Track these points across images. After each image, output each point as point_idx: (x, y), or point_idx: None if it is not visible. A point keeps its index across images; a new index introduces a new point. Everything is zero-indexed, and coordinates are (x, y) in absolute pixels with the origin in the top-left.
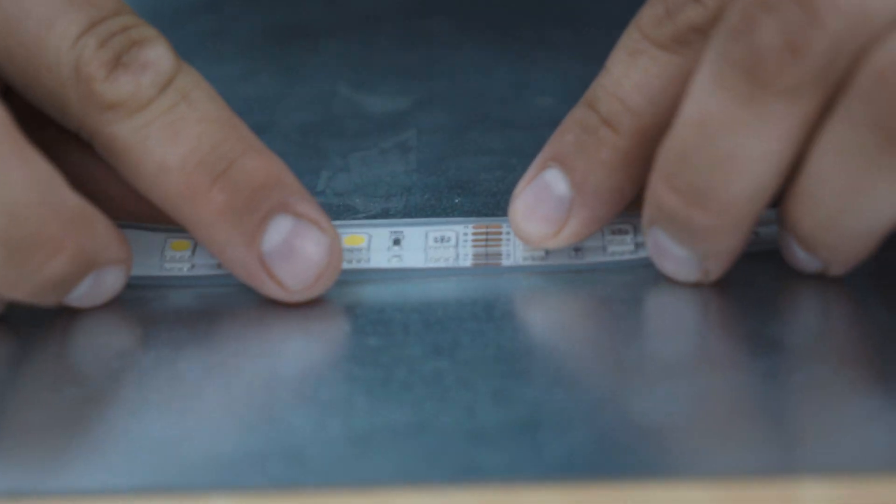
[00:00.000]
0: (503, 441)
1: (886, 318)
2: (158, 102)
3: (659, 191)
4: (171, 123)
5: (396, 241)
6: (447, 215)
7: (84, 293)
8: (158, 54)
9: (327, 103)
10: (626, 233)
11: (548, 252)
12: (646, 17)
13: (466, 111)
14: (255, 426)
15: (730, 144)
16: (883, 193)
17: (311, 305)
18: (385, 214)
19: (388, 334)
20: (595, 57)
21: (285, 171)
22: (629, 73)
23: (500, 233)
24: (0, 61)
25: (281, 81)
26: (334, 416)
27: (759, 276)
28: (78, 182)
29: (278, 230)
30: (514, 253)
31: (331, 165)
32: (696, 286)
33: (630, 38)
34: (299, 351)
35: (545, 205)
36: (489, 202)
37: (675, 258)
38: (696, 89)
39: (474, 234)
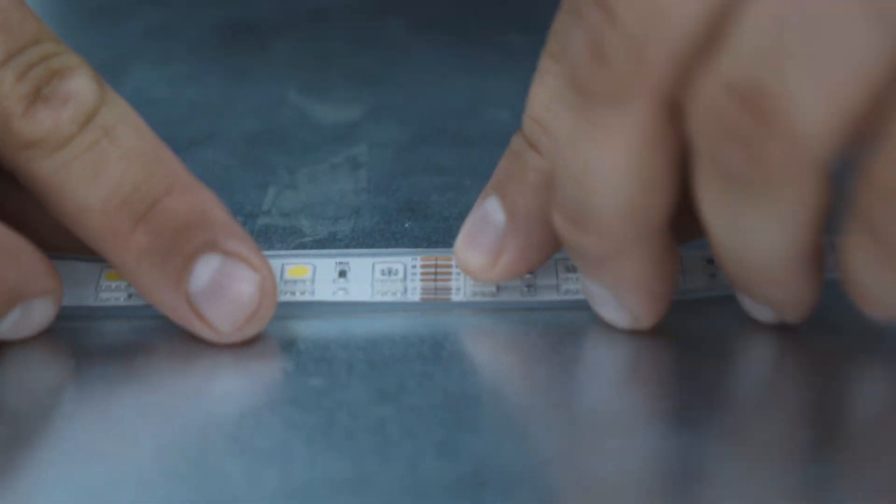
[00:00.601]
0: (446, 501)
1: (846, 372)
2: (79, 139)
3: (553, 217)
4: (93, 162)
5: (342, 273)
6: (396, 240)
7: (11, 326)
8: (80, 86)
9: (275, 111)
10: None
11: (499, 288)
12: (552, 33)
13: (420, 123)
14: (186, 476)
15: (579, 159)
16: (757, 226)
17: (253, 340)
18: (332, 238)
19: (331, 374)
20: None
21: (214, 206)
22: (538, 93)
23: (451, 266)
24: None
25: (228, 84)
26: (271, 466)
27: (722, 323)
28: (4, 214)
29: (205, 270)
30: (464, 288)
31: (278, 181)
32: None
33: (541, 60)
34: (238, 391)
35: (482, 234)
36: (440, 227)
37: (599, 298)
38: (550, 105)
39: (423, 266)
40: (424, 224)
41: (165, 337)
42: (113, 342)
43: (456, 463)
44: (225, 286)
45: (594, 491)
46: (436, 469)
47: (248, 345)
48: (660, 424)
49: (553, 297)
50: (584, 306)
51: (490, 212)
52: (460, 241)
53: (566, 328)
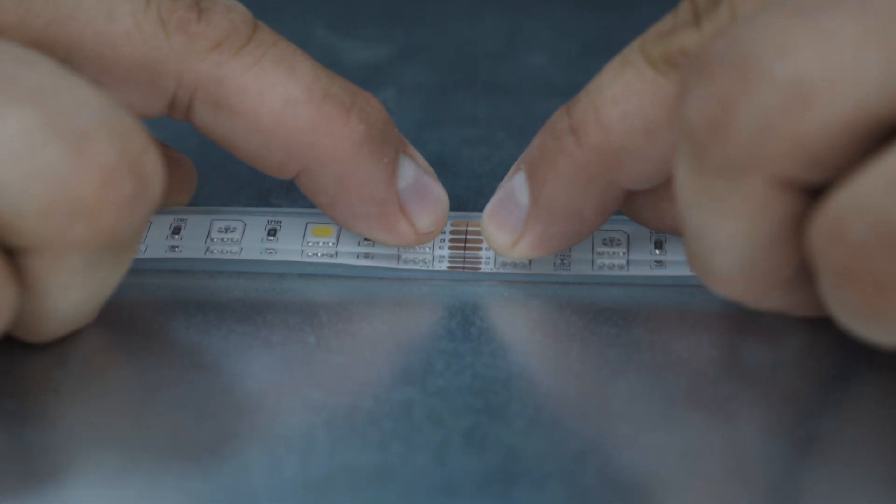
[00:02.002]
0: (473, 496)
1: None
2: (259, 37)
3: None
4: (283, 57)
5: (367, 238)
6: None
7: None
8: (230, 1)
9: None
10: (618, 244)
11: (531, 260)
12: (653, 29)
13: (451, 67)
14: (201, 461)
15: (695, 220)
16: (879, 335)
17: (274, 306)
18: None
19: (354, 351)
20: (594, 7)
21: None
22: (612, 83)
23: (481, 234)
24: (69, 51)
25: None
26: (291, 454)
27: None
28: None
29: (408, 169)
30: (494, 258)
31: None
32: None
33: (629, 48)
34: (258, 367)
35: (506, 211)
36: (471, 186)
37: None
38: (628, 108)
39: (453, 232)
40: (455, 182)
41: (181, 307)
42: (124, 311)
43: (484, 455)
44: (425, 185)
45: (627, 491)
46: (463, 461)
47: (268, 310)
48: (699, 418)
49: (587, 271)
50: (618, 282)
51: (516, 190)
52: (487, 211)
53: (602, 305)
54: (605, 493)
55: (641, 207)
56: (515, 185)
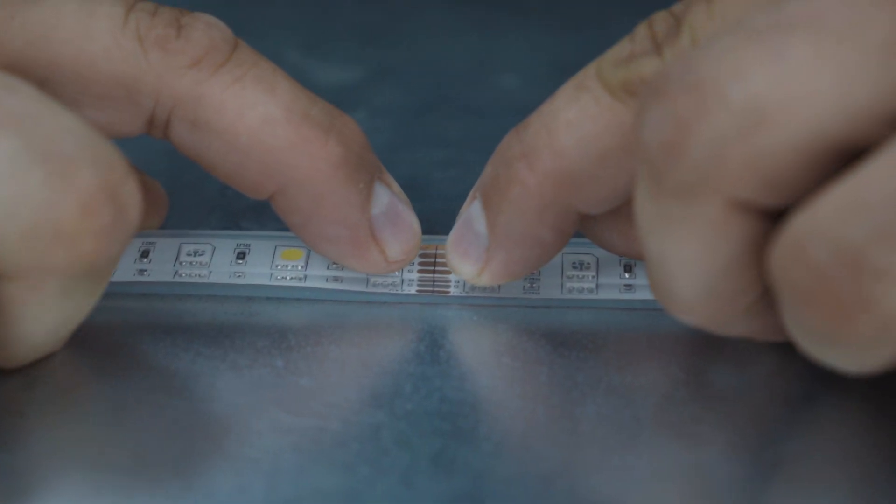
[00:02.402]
0: None
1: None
2: (239, 56)
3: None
4: (264, 76)
5: (336, 262)
6: None
7: None
8: (212, 18)
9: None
10: (587, 268)
11: (500, 285)
12: (611, 53)
13: (423, 88)
14: (167, 484)
15: (655, 244)
16: (840, 361)
17: (242, 330)
18: None
19: (322, 374)
20: (568, 26)
21: None
22: (566, 108)
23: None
24: (48, 71)
25: None
26: (258, 477)
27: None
28: None
29: (383, 196)
30: (463, 282)
31: None
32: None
33: (584, 73)
34: (225, 390)
35: (467, 242)
36: (442, 208)
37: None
38: (580, 133)
39: (422, 255)
40: (425, 204)
41: (149, 330)
42: (91, 334)
43: (452, 478)
44: (399, 213)
45: None
46: (431, 484)
47: (235, 332)
48: (667, 440)
49: (556, 294)
50: (587, 305)
51: (474, 219)
52: (450, 241)
53: (571, 329)
54: None
55: (608, 233)
56: (473, 215)
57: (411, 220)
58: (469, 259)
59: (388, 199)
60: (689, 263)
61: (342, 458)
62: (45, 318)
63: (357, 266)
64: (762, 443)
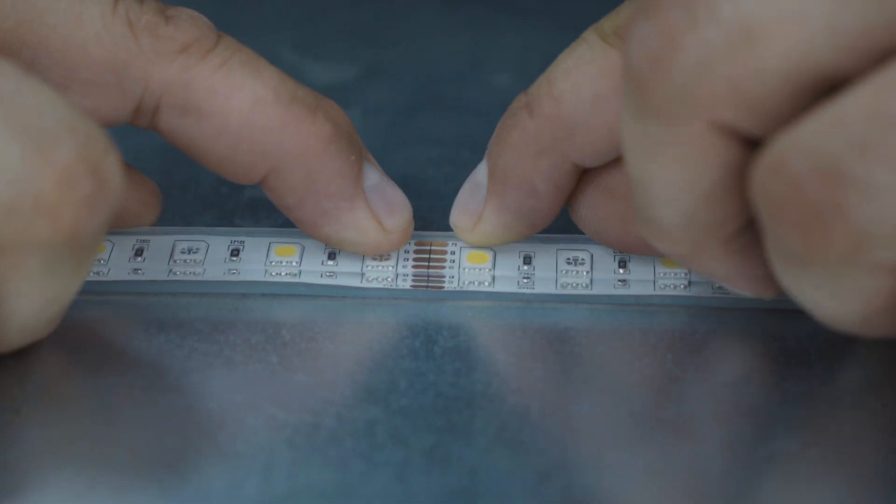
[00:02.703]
0: None
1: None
2: (225, 43)
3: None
4: (249, 61)
5: (331, 255)
6: None
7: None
8: (194, 12)
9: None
10: (581, 263)
11: (494, 279)
12: (610, 15)
13: (416, 87)
14: (162, 480)
15: (639, 168)
16: (812, 293)
17: (236, 326)
18: None
19: (317, 370)
20: (561, 26)
21: None
22: (565, 59)
23: (445, 253)
24: (37, 53)
25: None
26: (252, 472)
27: (730, 328)
28: None
29: (371, 171)
30: (458, 277)
31: None
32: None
33: (587, 31)
34: (219, 386)
35: (468, 196)
36: (436, 206)
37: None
38: (579, 79)
39: (417, 251)
40: (419, 202)
41: (144, 326)
42: (85, 330)
43: (446, 473)
44: (390, 189)
45: None
46: (425, 479)
47: (231, 330)
48: (662, 436)
49: (551, 290)
50: (581, 301)
51: (478, 174)
52: (455, 204)
53: (565, 324)
54: None
55: (601, 218)
56: (477, 172)
57: (402, 196)
58: (467, 212)
59: (377, 175)
60: (670, 186)
61: (337, 453)
62: (31, 297)
63: (355, 237)
64: (757, 439)
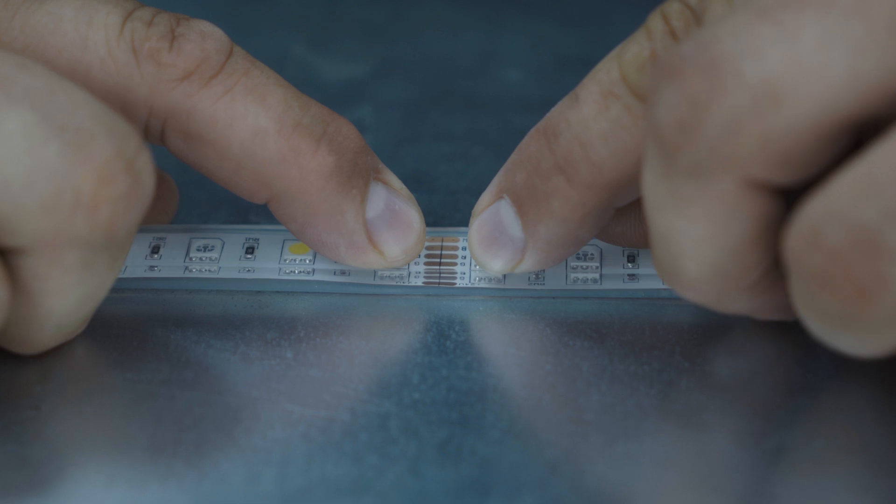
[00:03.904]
0: None
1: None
2: (231, 66)
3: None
4: (254, 87)
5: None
6: None
7: None
8: (209, 26)
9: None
10: (591, 258)
11: (505, 275)
12: (630, 54)
13: (428, 83)
14: (180, 474)
15: (663, 223)
16: (850, 343)
17: (252, 322)
18: None
19: (331, 365)
20: (570, 21)
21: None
22: (598, 119)
23: (457, 249)
24: None
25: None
26: (268, 465)
27: (742, 323)
28: None
29: (378, 197)
30: (469, 274)
31: None
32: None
33: (608, 75)
34: (235, 381)
35: (500, 243)
36: (447, 201)
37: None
38: (610, 138)
39: (428, 248)
40: (431, 197)
41: (161, 323)
42: (104, 327)
43: (459, 467)
44: (397, 212)
45: (600, 501)
46: (438, 472)
47: (246, 327)
48: (670, 428)
49: (561, 285)
50: (591, 295)
51: (506, 224)
52: (477, 243)
53: (575, 319)
54: (578, 503)
55: (612, 224)
56: (504, 219)
57: (411, 218)
58: (502, 258)
59: (384, 200)
60: (698, 242)
61: (351, 447)
62: (68, 294)
63: (358, 266)
64: (765, 430)
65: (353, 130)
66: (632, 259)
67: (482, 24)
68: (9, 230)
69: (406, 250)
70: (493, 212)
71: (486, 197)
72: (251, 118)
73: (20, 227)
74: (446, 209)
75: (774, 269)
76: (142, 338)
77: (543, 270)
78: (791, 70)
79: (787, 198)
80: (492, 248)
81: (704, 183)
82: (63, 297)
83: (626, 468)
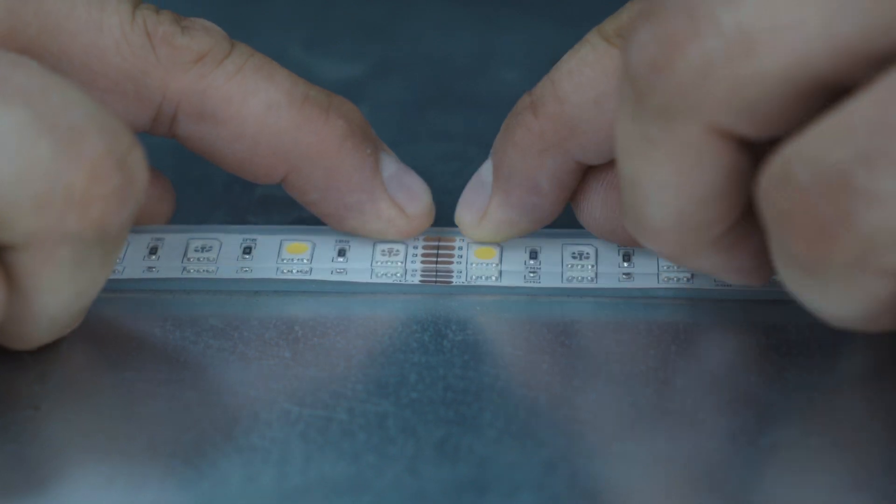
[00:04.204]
0: None
1: (869, 383)
2: (239, 50)
3: (623, 216)
4: (263, 66)
5: (341, 252)
6: None
7: None
8: (207, 22)
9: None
10: (586, 257)
11: (501, 273)
12: (613, 17)
13: (425, 83)
14: (179, 473)
15: (631, 167)
16: (814, 294)
17: (250, 322)
18: None
19: (329, 365)
20: (566, 21)
21: None
22: (569, 59)
23: (453, 247)
24: (58, 61)
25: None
26: (267, 465)
27: (731, 319)
28: None
29: (389, 163)
30: (465, 271)
31: None
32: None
33: (590, 33)
34: (234, 381)
35: (474, 193)
36: (443, 201)
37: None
38: (581, 80)
39: (425, 246)
40: None
41: (159, 323)
42: (102, 328)
43: (456, 465)
44: (406, 178)
45: (597, 499)
46: (436, 471)
47: (245, 327)
48: (666, 426)
49: (557, 284)
50: (587, 294)
51: (483, 172)
52: (460, 200)
53: (571, 318)
54: (575, 502)
55: (603, 216)
56: (482, 170)
57: (420, 186)
58: (472, 208)
59: (395, 165)
60: (663, 187)
61: (349, 446)
62: (61, 290)
63: (379, 228)
64: (759, 428)
65: (353, 107)
66: (627, 258)
67: (479, 24)
68: (3, 225)
69: (424, 206)
70: (478, 170)
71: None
72: (263, 93)
73: (12, 223)
74: (443, 209)
75: (740, 225)
76: (140, 338)
77: (540, 267)
78: (766, 22)
79: (757, 157)
80: (466, 199)
81: (672, 126)
82: (56, 293)
83: (623, 467)
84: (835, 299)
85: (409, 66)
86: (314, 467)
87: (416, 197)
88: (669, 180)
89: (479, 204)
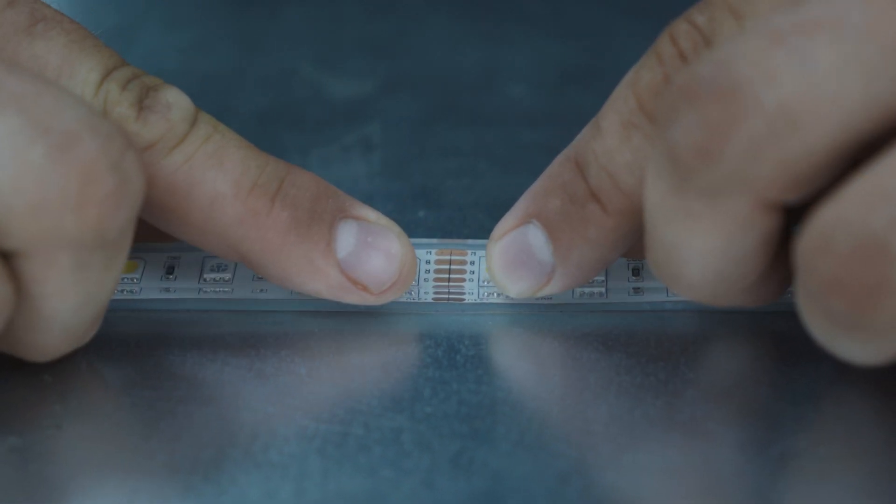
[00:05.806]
0: None
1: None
2: (194, 134)
3: (648, 259)
4: (214, 151)
5: None
6: (410, 230)
7: None
8: (177, 96)
9: (287, 84)
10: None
11: None
12: (643, 81)
13: (434, 98)
14: (199, 490)
15: (669, 235)
16: (854, 348)
17: (266, 339)
18: None
19: (344, 380)
20: (573, 34)
21: (328, 183)
22: (622, 150)
23: (465, 263)
24: None
25: (239, 55)
26: (285, 480)
27: (740, 332)
28: None
29: (348, 235)
30: (477, 290)
31: (290, 162)
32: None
33: (626, 104)
34: (251, 397)
35: (526, 266)
36: (455, 217)
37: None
38: (632, 165)
39: (437, 262)
40: (439, 213)
41: (176, 337)
42: (124, 340)
43: (471, 478)
44: (371, 245)
45: None
46: (451, 484)
47: (260, 346)
48: (677, 438)
49: (568, 299)
50: (597, 309)
51: (535, 247)
52: (500, 266)
53: (582, 332)
54: None
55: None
56: (533, 243)
57: (388, 246)
58: (526, 281)
59: (355, 237)
60: (704, 253)
61: (365, 461)
62: (67, 295)
63: (349, 303)
64: (769, 438)
65: (309, 179)
66: (636, 272)
67: (486, 39)
68: (2, 232)
69: (390, 279)
70: (519, 235)
71: (509, 220)
72: (210, 184)
73: (9, 229)
74: (454, 224)
75: (770, 269)
76: (159, 357)
77: None
78: (807, 95)
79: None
80: (516, 271)
81: (719, 203)
82: (63, 298)
83: (635, 477)
84: (869, 352)
85: (418, 82)
86: (332, 482)
87: (380, 270)
88: (712, 248)
89: (534, 279)
